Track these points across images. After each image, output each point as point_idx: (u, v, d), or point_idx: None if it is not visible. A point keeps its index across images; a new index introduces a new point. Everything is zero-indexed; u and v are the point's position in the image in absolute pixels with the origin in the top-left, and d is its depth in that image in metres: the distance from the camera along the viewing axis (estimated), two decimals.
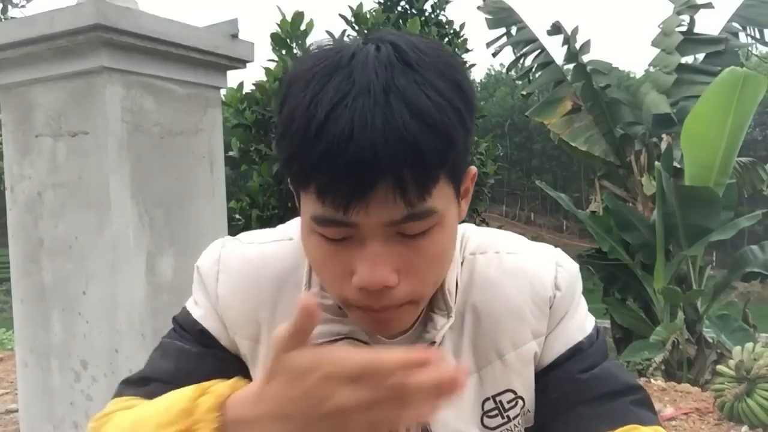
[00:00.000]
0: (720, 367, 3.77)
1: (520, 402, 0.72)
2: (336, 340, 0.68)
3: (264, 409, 0.49)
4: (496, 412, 0.72)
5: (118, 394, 0.72)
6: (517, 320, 0.71)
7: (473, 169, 0.66)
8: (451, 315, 0.68)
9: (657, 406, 3.65)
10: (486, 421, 0.72)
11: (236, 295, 0.73)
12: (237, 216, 4.20)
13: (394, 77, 0.53)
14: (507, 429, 0.73)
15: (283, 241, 0.74)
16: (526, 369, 0.71)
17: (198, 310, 0.75)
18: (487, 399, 0.72)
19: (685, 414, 3.57)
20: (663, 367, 5.43)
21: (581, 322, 0.74)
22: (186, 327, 0.76)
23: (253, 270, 0.73)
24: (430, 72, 0.55)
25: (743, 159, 7.62)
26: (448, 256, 0.63)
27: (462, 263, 0.72)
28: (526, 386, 0.72)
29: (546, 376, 0.72)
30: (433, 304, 0.68)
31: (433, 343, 0.67)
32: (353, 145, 0.51)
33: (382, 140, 0.51)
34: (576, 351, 0.71)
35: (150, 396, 0.66)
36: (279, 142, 0.58)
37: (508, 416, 0.72)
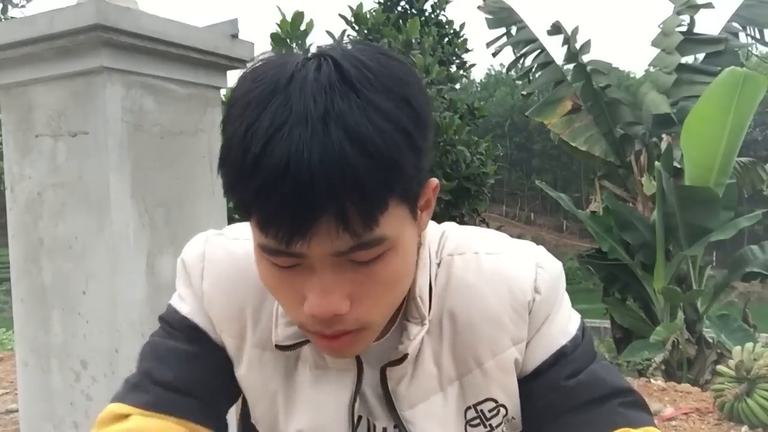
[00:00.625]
0: (720, 367, 3.77)
1: (502, 410, 0.70)
2: (303, 342, 0.67)
3: None
4: (478, 421, 0.70)
5: (120, 398, 0.71)
6: (495, 327, 0.68)
7: (434, 181, 0.62)
8: (425, 322, 0.66)
9: (657, 406, 3.65)
10: (470, 429, 0.70)
11: (222, 291, 0.72)
12: (237, 216, 4.20)
13: (334, 102, 0.50)
14: None
15: None
16: (507, 377, 0.69)
17: (185, 306, 0.75)
18: (469, 408, 0.70)
19: (685, 414, 3.57)
20: (663, 367, 5.43)
21: (564, 325, 0.71)
22: (175, 324, 0.75)
23: (238, 267, 0.71)
24: (374, 92, 0.52)
25: (743, 159, 7.63)
26: (403, 280, 0.60)
27: (439, 264, 0.70)
28: (508, 394, 0.70)
29: (530, 383, 0.69)
30: (407, 312, 0.67)
31: (406, 356, 0.66)
32: (289, 180, 0.49)
33: (319, 173, 0.49)
34: (560, 356, 0.68)
35: (151, 407, 0.67)
36: (220, 167, 0.55)
37: (490, 425, 0.70)
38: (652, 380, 4.53)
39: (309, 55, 0.54)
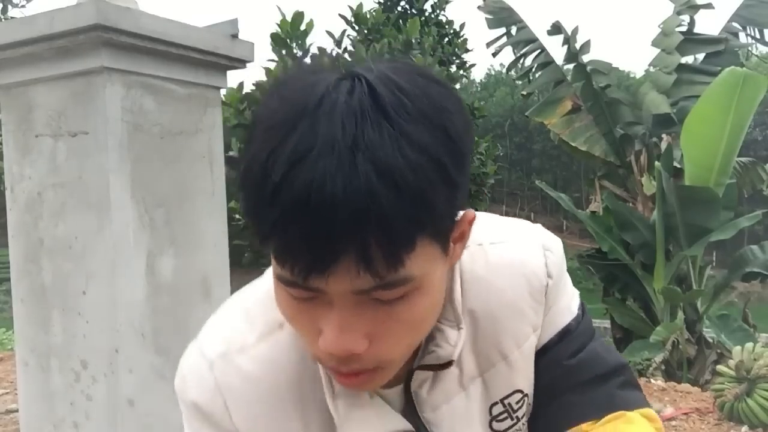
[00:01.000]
0: (720, 367, 3.77)
1: (526, 399, 0.70)
2: None
3: None
4: (505, 415, 0.69)
5: None
6: (516, 317, 0.67)
7: (470, 213, 0.58)
8: (461, 326, 0.64)
9: (657, 406, 3.65)
10: (495, 425, 0.69)
11: (259, 420, 0.63)
12: (237, 216, 4.20)
13: (365, 131, 0.46)
14: (516, 429, 0.70)
15: (276, 332, 0.64)
16: (529, 365, 0.69)
17: None
18: (495, 403, 0.69)
19: (685, 414, 3.57)
20: (663, 367, 5.43)
21: (568, 303, 0.71)
22: None
23: (265, 388, 0.63)
24: (409, 120, 0.48)
25: (743, 159, 7.63)
26: (428, 320, 0.57)
27: None
28: (529, 381, 0.70)
29: (536, 361, 0.70)
30: (442, 315, 0.63)
31: (451, 362, 0.63)
32: (310, 212, 0.45)
33: (342, 207, 0.45)
34: (565, 333, 0.69)
35: None
36: (240, 188, 0.51)
37: (517, 417, 0.70)
38: (652, 380, 4.53)
39: (342, 74, 0.50)
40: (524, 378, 0.69)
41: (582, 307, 0.72)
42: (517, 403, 0.70)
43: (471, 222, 0.59)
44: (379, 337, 0.52)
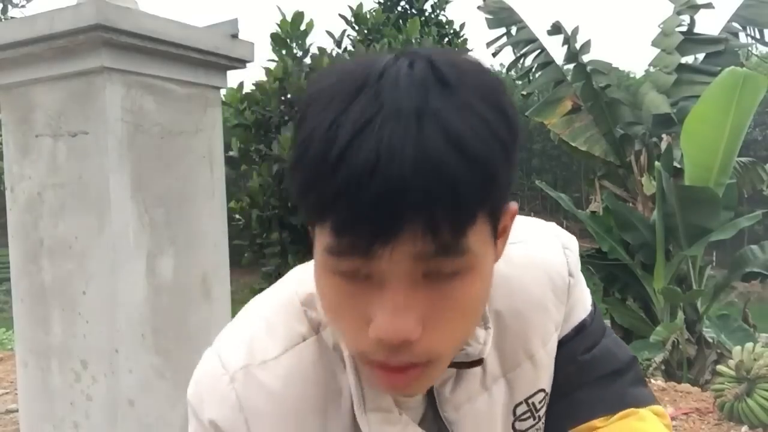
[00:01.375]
0: (720, 367, 3.77)
1: (547, 398, 0.70)
2: None
3: None
4: (528, 414, 0.69)
5: None
6: (541, 314, 0.67)
7: (514, 206, 0.57)
8: (489, 325, 0.63)
9: None
10: (517, 425, 0.69)
11: None
12: (237, 216, 4.20)
13: (429, 99, 0.46)
14: (536, 429, 0.70)
15: (300, 346, 0.61)
16: (551, 363, 0.69)
17: None
18: (519, 404, 0.68)
19: (685, 414, 3.57)
20: (663, 367, 5.43)
21: (584, 299, 0.72)
22: None
23: (288, 406, 0.60)
24: (471, 94, 0.47)
25: (743, 159, 7.62)
26: (479, 308, 0.54)
27: None
28: (551, 380, 0.70)
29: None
30: None
31: (481, 360, 0.62)
32: (378, 179, 0.44)
33: (412, 173, 0.44)
34: (581, 329, 0.70)
35: None
36: (293, 168, 0.49)
37: (539, 416, 0.70)
38: (652, 380, 4.53)
39: (398, 53, 0.50)
40: (547, 377, 0.69)
41: (594, 303, 0.74)
42: (540, 402, 0.70)
43: (513, 216, 0.57)
44: (432, 324, 0.50)
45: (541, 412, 0.70)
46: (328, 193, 0.46)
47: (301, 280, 0.64)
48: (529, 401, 0.69)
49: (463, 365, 0.62)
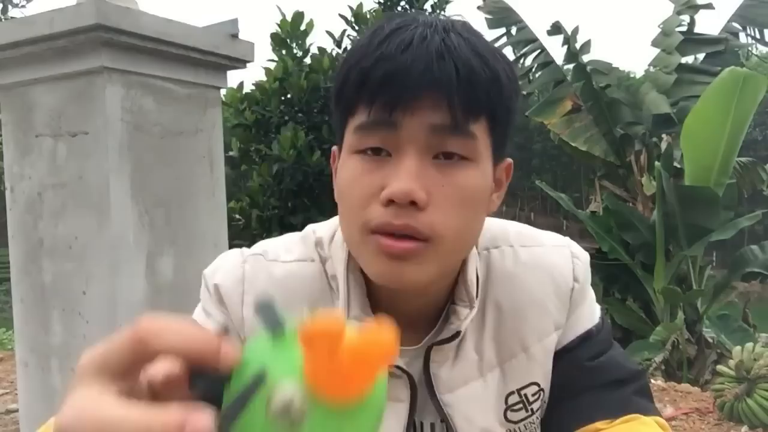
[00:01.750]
0: (720, 367, 3.77)
1: (542, 394, 0.72)
2: None
3: None
4: (520, 405, 0.72)
5: None
6: (540, 312, 0.71)
7: (510, 160, 0.68)
8: (474, 305, 0.67)
9: (657, 406, 3.66)
10: (510, 415, 0.72)
11: None
12: (237, 216, 4.21)
13: (454, 24, 0.60)
14: (530, 422, 0.73)
15: (307, 262, 0.71)
16: (548, 361, 0.72)
17: (214, 323, 0.69)
18: (512, 393, 0.71)
19: (685, 414, 3.57)
20: (663, 367, 5.43)
21: (592, 310, 0.75)
22: None
23: (283, 292, 0.68)
24: (485, 40, 0.60)
25: (743, 159, 7.62)
26: (476, 204, 0.61)
27: (479, 257, 0.72)
28: (546, 377, 0.72)
29: (555, 360, 0.72)
30: (455, 296, 0.68)
31: (458, 333, 0.67)
32: (410, 52, 0.55)
33: (437, 55, 0.55)
34: (586, 338, 0.72)
35: None
36: (337, 75, 0.61)
37: (531, 409, 0.72)
38: (652, 380, 4.53)
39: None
40: (541, 372, 0.72)
41: (603, 317, 0.76)
42: (533, 395, 0.72)
43: (508, 170, 0.68)
44: (436, 201, 0.57)
45: (534, 406, 0.72)
46: (368, 63, 0.56)
47: (317, 227, 0.75)
48: (521, 392, 0.71)
49: (445, 341, 0.67)
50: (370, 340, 0.31)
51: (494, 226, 0.76)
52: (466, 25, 0.61)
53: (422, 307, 0.69)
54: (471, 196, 0.59)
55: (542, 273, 0.72)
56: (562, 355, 0.72)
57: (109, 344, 0.34)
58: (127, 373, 0.34)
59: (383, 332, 0.31)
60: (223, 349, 0.32)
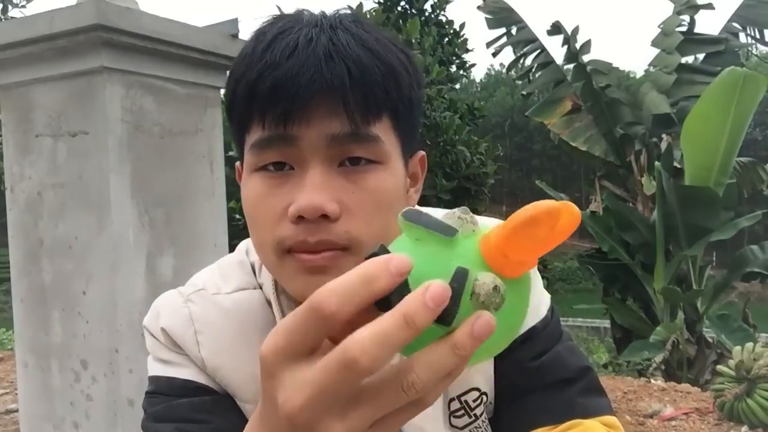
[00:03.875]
0: (720, 367, 3.77)
1: (484, 398, 0.71)
2: None
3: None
4: (462, 412, 0.70)
5: None
6: None
7: (422, 153, 0.66)
8: None
9: (657, 406, 3.65)
10: (453, 421, 0.70)
11: (224, 354, 0.64)
12: (237, 216, 4.20)
13: (342, 20, 0.57)
14: (475, 427, 0.71)
15: (249, 290, 0.68)
16: (487, 364, 0.70)
17: (182, 370, 0.65)
18: (452, 399, 0.69)
19: (685, 414, 3.57)
20: (663, 367, 5.43)
21: (536, 306, 0.71)
22: (176, 390, 0.64)
23: (236, 324, 0.65)
24: (374, 29, 0.58)
25: (743, 159, 7.62)
26: (392, 206, 0.58)
27: None
28: (487, 380, 0.70)
29: (497, 362, 0.70)
30: None
31: None
32: (296, 57, 0.52)
33: (325, 56, 0.52)
34: (529, 336, 0.69)
35: None
36: (227, 86, 0.58)
37: (475, 414, 0.70)
38: (652, 380, 4.53)
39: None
40: (481, 377, 0.70)
41: (552, 309, 0.73)
42: (474, 401, 0.70)
43: (422, 161, 0.66)
44: (348, 208, 0.55)
45: (478, 411, 0.70)
46: (254, 75, 0.53)
47: (250, 247, 0.70)
48: (461, 398, 0.69)
49: None
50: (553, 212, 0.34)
51: None
52: (355, 19, 0.58)
53: None
54: (384, 199, 0.57)
55: None
56: (504, 356, 0.68)
57: (290, 326, 0.34)
58: (314, 350, 0.34)
59: (567, 207, 0.35)
60: (393, 267, 0.33)
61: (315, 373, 0.33)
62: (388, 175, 0.57)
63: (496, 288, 0.34)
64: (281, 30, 0.55)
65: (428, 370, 0.33)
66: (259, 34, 0.57)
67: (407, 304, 0.32)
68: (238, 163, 0.64)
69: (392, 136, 0.58)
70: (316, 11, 0.59)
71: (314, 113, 0.53)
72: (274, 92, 0.52)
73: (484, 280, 0.34)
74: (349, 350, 0.31)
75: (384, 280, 0.32)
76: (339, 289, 0.32)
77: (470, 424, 0.70)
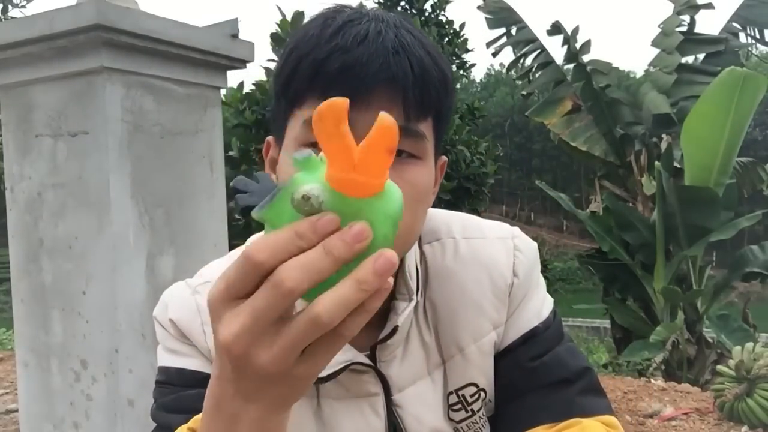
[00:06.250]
0: (720, 367, 3.77)
1: (482, 394, 0.71)
2: (341, 371, 0.65)
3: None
4: (459, 406, 0.71)
5: None
6: (475, 313, 0.69)
7: (444, 158, 0.69)
8: (413, 298, 0.67)
9: (657, 406, 3.65)
10: (451, 414, 0.71)
11: None
12: (237, 216, 4.20)
13: (402, 21, 0.59)
14: (472, 422, 0.71)
15: None
16: (486, 361, 0.70)
17: (191, 360, 0.67)
18: (450, 393, 0.71)
19: (685, 414, 3.57)
20: (663, 367, 5.43)
21: (538, 307, 0.72)
22: (184, 381, 0.66)
23: None
24: (429, 40, 0.61)
25: (743, 159, 7.62)
26: (424, 201, 0.62)
27: (420, 252, 0.71)
28: (487, 377, 0.71)
29: (498, 361, 0.71)
30: (396, 291, 0.67)
31: (396, 327, 0.66)
32: (366, 45, 0.54)
33: (393, 49, 0.55)
34: (530, 337, 0.70)
35: None
36: (283, 60, 0.59)
37: (472, 410, 0.71)
38: (652, 380, 4.53)
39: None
40: (480, 373, 0.71)
41: (554, 312, 0.74)
42: (471, 396, 0.71)
43: (443, 167, 0.69)
44: None
45: (475, 407, 0.71)
46: (322, 54, 0.55)
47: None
48: (459, 393, 0.70)
49: (385, 338, 0.66)
50: (372, 132, 0.37)
51: (437, 218, 0.74)
52: (410, 23, 0.61)
53: None
54: (418, 193, 0.60)
55: (479, 269, 0.70)
56: (504, 355, 0.71)
57: (229, 273, 0.38)
58: (249, 294, 0.38)
59: (381, 120, 0.37)
60: (319, 227, 0.37)
61: (248, 301, 0.37)
62: (426, 171, 0.61)
63: (308, 193, 0.37)
64: (350, 18, 0.57)
65: (332, 303, 0.36)
66: (327, 18, 0.58)
67: (330, 239, 0.36)
68: (270, 138, 0.66)
69: (432, 137, 0.61)
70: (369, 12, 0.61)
71: (375, 101, 0.55)
72: (342, 74, 0.54)
73: (303, 186, 0.38)
74: (277, 273, 0.36)
75: (309, 237, 0.36)
76: (271, 243, 0.37)
77: (467, 418, 0.71)
